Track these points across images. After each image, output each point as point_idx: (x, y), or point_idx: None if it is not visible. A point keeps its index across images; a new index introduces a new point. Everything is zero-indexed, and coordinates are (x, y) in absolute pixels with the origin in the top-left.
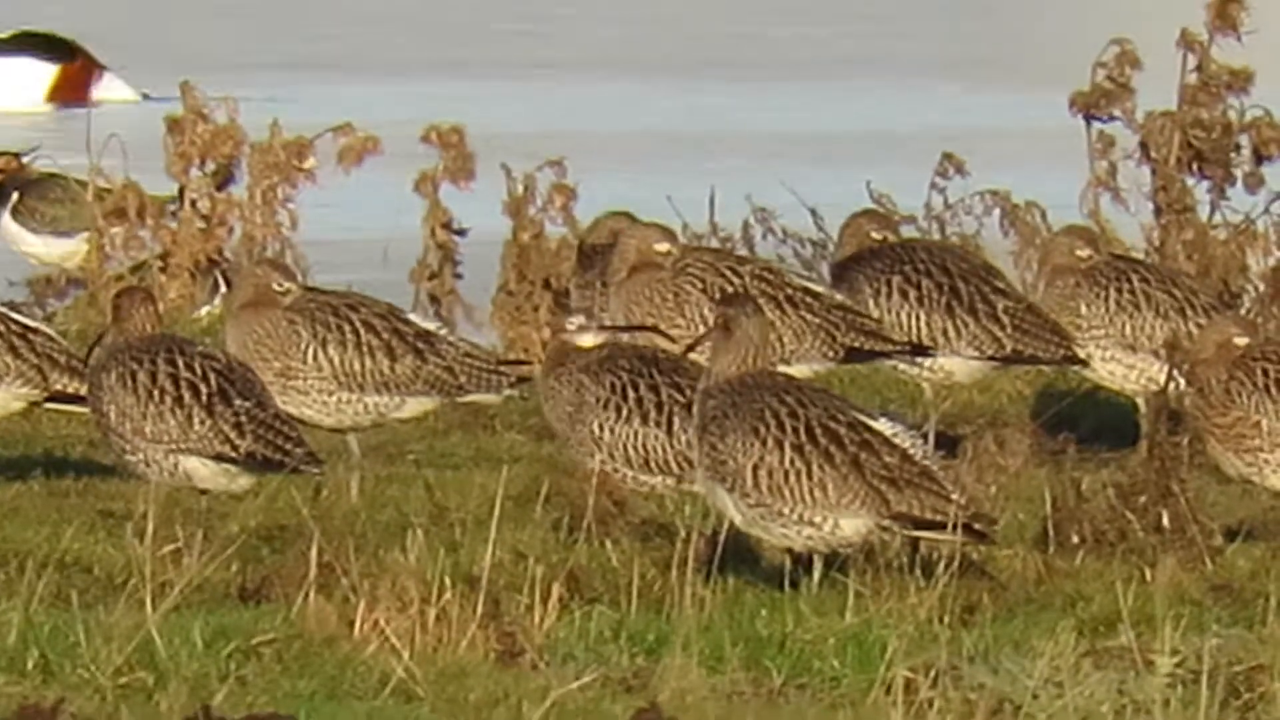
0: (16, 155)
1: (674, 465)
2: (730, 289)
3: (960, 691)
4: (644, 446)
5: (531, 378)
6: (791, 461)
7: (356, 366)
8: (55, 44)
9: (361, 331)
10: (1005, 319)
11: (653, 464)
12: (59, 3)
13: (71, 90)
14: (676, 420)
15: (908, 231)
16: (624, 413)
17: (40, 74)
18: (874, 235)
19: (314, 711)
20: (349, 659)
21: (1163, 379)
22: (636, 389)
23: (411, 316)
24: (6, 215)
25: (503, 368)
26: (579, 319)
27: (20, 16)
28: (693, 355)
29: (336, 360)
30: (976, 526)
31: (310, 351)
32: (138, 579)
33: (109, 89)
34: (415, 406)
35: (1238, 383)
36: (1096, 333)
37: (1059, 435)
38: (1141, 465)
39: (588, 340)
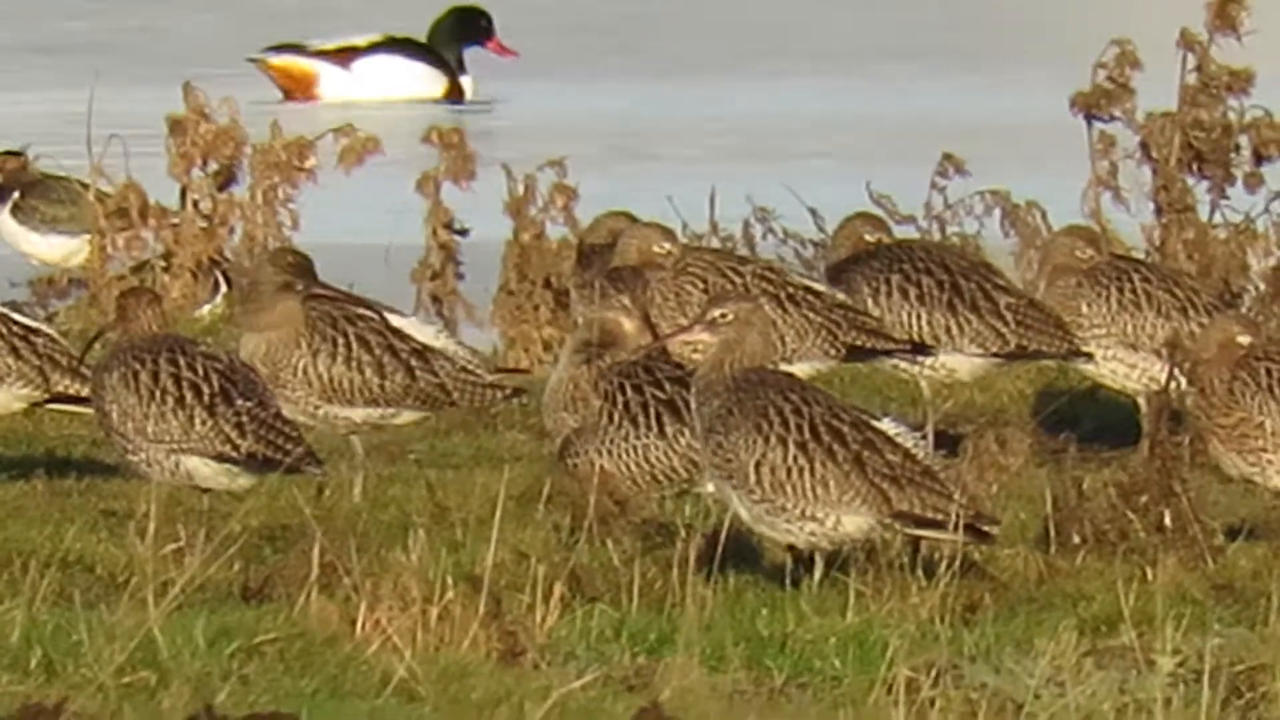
0: (20, 154)
1: (680, 471)
2: (733, 289)
3: (962, 691)
4: (646, 459)
5: (528, 388)
6: (794, 458)
7: (345, 384)
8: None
9: (354, 346)
10: (1008, 315)
11: (658, 474)
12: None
13: (456, 90)
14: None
15: (908, 232)
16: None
17: (438, 77)
18: (868, 237)
19: (316, 710)
20: (351, 658)
21: (1164, 378)
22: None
23: (411, 330)
24: (7, 214)
25: (501, 379)
26: (626, 300)
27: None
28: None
29: (325, 375)
30: (979, 526)
31: (300, 365)
32: (140, 578)
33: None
34: (409, 417)
35: (1241, 383)
36: (1098, 332)
37: (1060, 434)
38: (1143, 464)
39: (629, 326)
